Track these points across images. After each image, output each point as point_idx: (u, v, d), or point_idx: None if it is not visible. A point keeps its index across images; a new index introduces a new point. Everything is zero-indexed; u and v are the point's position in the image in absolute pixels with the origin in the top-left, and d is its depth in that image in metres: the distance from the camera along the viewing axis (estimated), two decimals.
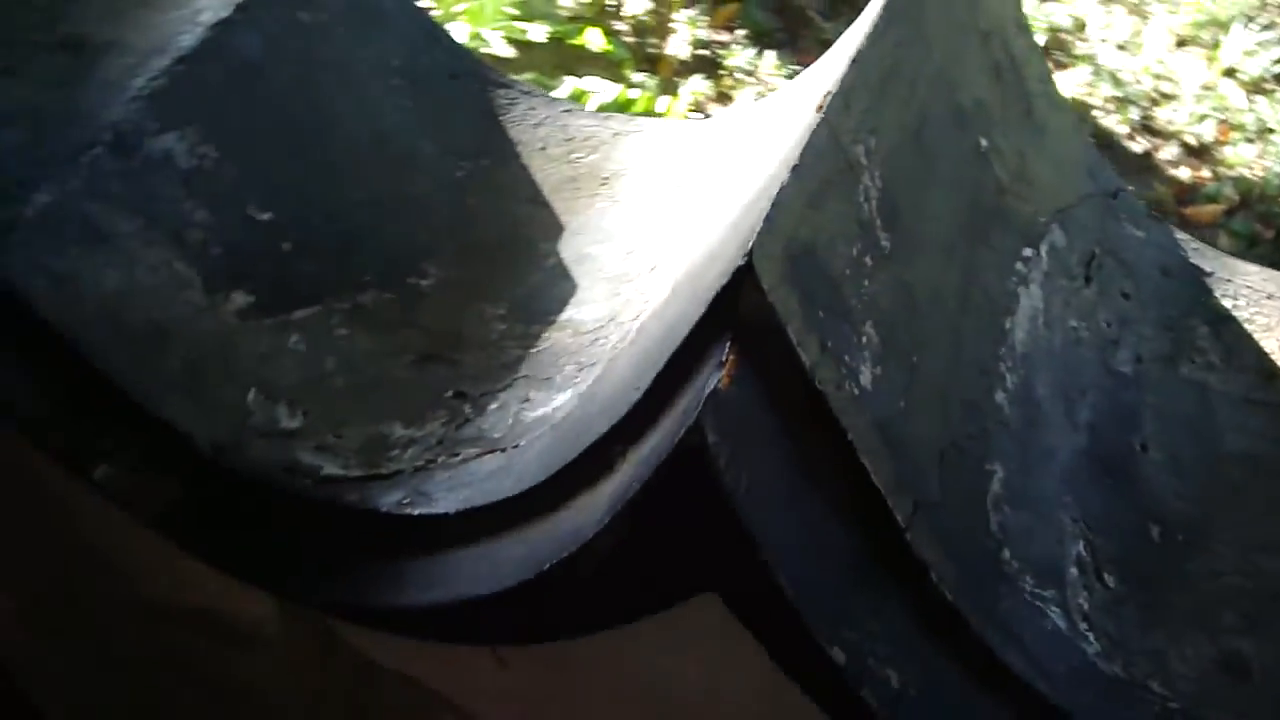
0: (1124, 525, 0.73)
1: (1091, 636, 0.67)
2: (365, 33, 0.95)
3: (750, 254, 0.49)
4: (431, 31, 0.98)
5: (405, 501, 0.71)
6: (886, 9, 0.62)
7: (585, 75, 1.88)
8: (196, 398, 0.76)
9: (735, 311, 0.51)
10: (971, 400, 0.65)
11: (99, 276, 0.75)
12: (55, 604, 1.04)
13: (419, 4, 1.00)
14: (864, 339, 0.56)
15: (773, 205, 0.51)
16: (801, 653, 0.56)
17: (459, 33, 1.83)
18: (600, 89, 1.83)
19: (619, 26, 2.13)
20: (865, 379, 0.56)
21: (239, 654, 0.95)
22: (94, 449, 0.75)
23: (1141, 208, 0.90)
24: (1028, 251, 0.75)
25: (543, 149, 0.92)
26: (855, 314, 0.56)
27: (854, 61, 0.58)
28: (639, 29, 2.13)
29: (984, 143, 0.71)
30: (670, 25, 2.13)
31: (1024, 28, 0.79)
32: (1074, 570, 0.69)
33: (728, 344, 0.51)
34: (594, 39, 1.97)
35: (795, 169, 0.53)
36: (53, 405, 0.76)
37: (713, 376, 0.50)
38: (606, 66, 1.97)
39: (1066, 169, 0.82)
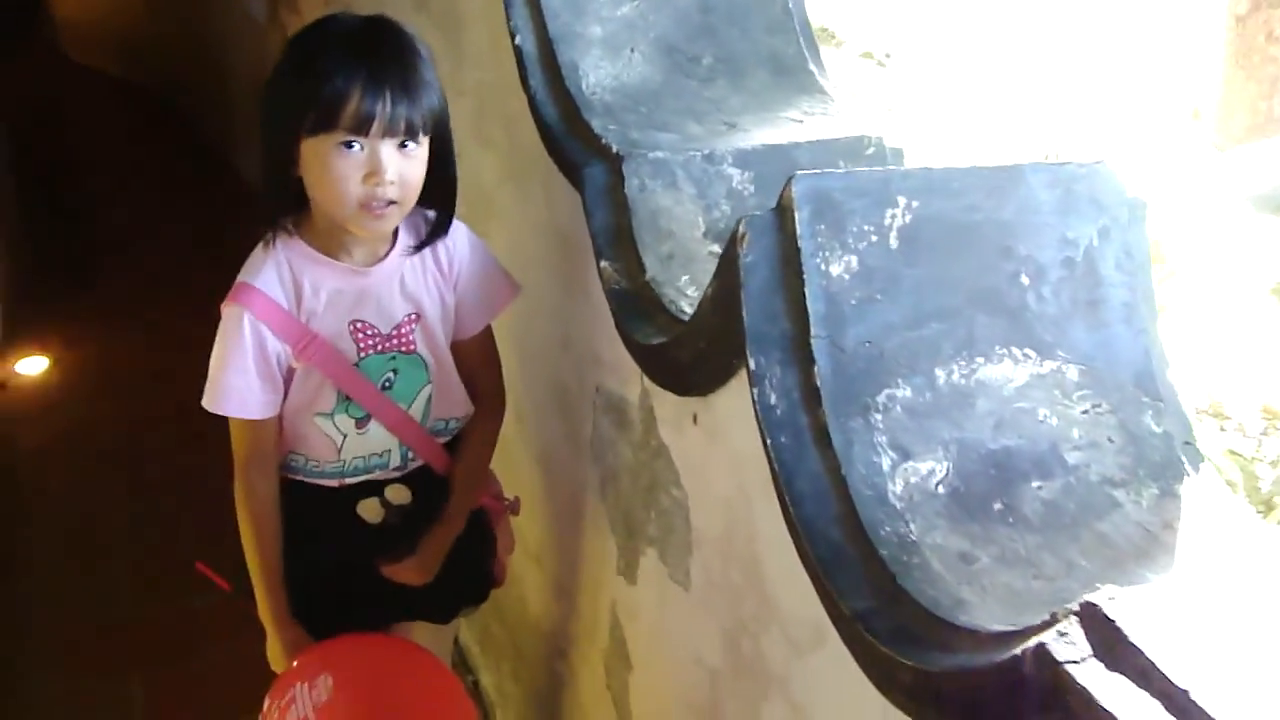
0: (982, 490, 1.23)
1: (900, 487, 1.20)
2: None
3: (792, 177, 1.22)
4: None
5: None
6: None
7: None
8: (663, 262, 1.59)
9: (780, 201, 1.23)
10: (912, 353, 1.25)
11: (659, 196, 1.64)
12: None
13: None
14: (846, 258, 1.23)
15: (824, 169, 1.23)
16: (744, 357, 1.23)
17: None
18: None
19: None
20: (834, 270, 1.23)
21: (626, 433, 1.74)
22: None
23: (1185, 431, 1.33)
24: (1029, 352, 1.30)
25: None
26: (847, 245, 1.23)
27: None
28: None
29: (1025, 280, 1.31)
30: None
31: (1140, 230, 1.33)
32: (920, 466, 1.22)
33: (770, 212, 1.23)
34: None
35: (850, 173, 1.24)
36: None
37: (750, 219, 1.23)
38: None
39: (1116, 364, 1.33)
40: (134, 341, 4.15)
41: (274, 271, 1.56)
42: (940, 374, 1.27)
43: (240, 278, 1.58)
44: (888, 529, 1.18)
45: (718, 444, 1.42)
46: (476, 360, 1.75)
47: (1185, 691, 0.84)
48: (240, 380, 1.56)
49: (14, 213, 4.88)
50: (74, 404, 3.80)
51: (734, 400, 1.34)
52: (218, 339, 1.58)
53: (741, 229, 1.22)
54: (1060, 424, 1.30)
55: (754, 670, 1.41)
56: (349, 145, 1.44)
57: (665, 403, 1.55)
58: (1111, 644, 0.89)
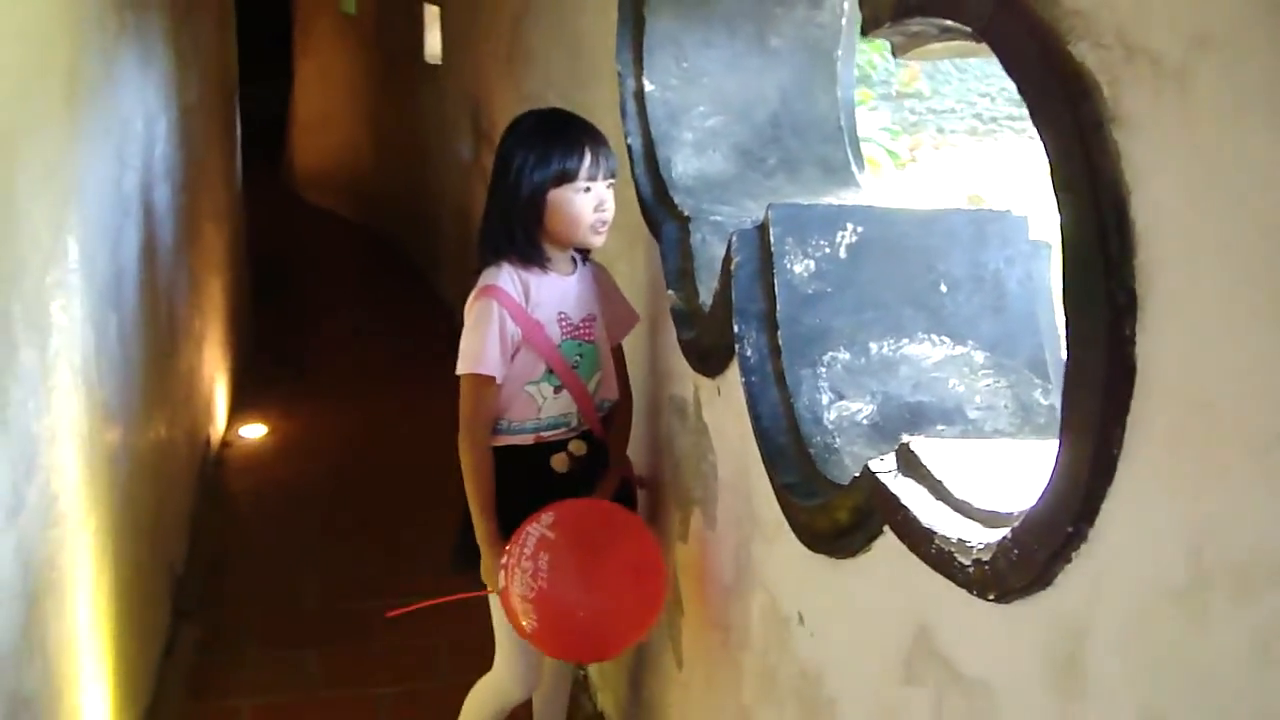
0: (897, 427, 1.74)
1: (834, 416, 1.73)
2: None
3: (770, 204, 1.80)
4: None
5: None
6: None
7: None
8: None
9: (762, 221, 1.81)
10: (852, 330, 1.79)
11: (715, 247, 2.25)
12: None
13: None
14: (806, 262, 1.79)
15: (791, 202, 1.81)
16: (732, 326, 1.80)
17: None
18: None
19: None
20: (797, 270, 1.79)
21: (685, 423, 2.31)
22: None
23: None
24: (944, 339, 1.82)
25: None
26: (807, 253, 1.80)
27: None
28: None
29: (944, 288, 1.84)
30: None
31: (1042, 262, 1.85)
32: (851, 405, 1.74)
33: (754, 228, 1.81)
34: None
35: (813, 205, 1.82)
36: None
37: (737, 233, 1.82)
38: None
39: (1015, 353, 1.83)
40: (337, 418, 4.94)
41: (508, 276, 2.24)
42: (873, 347, 1.81)
43: (484, 282, 2.26)
44: (818, 439, 1.72)
45: (730, 406, 1.98)
46: (615, 365, 2.39)
47: (941, 482, 1.36)
48: (492, 350, 2.23)
49: (250, 316, 5.82)
50: (284, 461, 4.57)
51: (738, 372, 1.91)
52: (471, 323, 2.25)
53: (734, 239, 1.81)
54: (966, 391, 1.81)
55: (747, 573, 1.93)
56: (586, 190, 2.16)
57: (705, 389, 2.12)
58: (910, 462, 1.41)
